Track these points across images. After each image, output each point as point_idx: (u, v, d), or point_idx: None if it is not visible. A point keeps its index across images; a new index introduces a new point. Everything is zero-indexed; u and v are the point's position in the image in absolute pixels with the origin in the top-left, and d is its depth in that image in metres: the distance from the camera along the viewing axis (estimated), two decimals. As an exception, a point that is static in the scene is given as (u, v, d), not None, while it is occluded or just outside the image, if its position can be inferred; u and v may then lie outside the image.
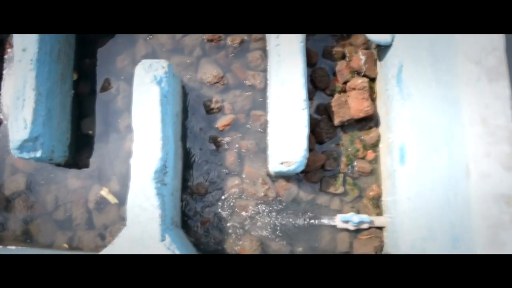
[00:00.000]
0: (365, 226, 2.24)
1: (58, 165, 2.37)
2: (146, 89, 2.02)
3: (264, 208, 2.30)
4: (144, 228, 1.95)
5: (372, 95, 2.35)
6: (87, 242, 2.31)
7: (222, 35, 2.42)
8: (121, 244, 1.94)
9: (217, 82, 2.37)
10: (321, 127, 2.31)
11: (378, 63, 2.38)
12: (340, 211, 2.31)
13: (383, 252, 2.27)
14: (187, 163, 2.35)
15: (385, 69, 2.28)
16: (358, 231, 2.28)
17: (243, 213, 2.30)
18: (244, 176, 2.33)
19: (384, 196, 2.30)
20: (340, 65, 2.37)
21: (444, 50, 1.73)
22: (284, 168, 2.04)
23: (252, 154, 2.34)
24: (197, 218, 2.31)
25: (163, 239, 1.95)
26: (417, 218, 1.95)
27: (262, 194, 2.29)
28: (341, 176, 2.30)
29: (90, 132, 2.40)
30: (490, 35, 1.61)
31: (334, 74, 2.40)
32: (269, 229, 2.29)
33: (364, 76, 2.36)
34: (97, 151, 2.39)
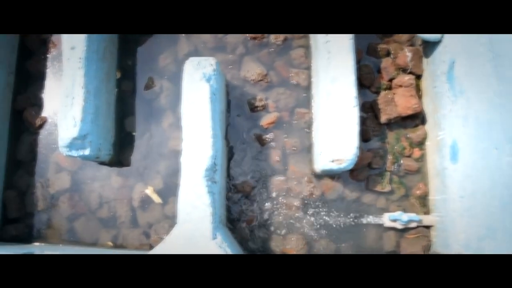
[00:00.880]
0: (413, 225, 2.21)
1: (102, 163, 2.38)
2: (196, 87, 2.01)
3: (309, 207, 2.28)
4: (195, 226, 1.93)
5: (418, 92, 2.32)
6: (131, 240, 2.31)
7: (265, 33, 2.41)
8: (172, 242, 1.93)
9: (261, 80, 2.36)
10: (367, 124, 2.29)
11: (424, 59, 2.35)
12: (386, 210, 2.28)
13: (431, 251, 2.23)
14: (232, 161, 2.34)
15: (433, 66, 2.24)
16: (404, 230, 2.25)
17: (289, 212, 2.28)
18: (289, 174, 2.31)
19: (432, 194, 2.26)
20: (385, 62, 2.34)
21: (507, 46, 1.69)
22: (335, 166, 2.01)
23: (296, 152, 2.32)
24: (243, 216, 2.29)
25: (214, 238, 1.93)
26: (472, 216, 1.91)
27: (308, 192, 2.27)
28: (387, 174, 2.27)
29: (133, 130, 2.40)
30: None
31: (379, 71, 2.37)
32: (314, 228, 2.27)
33: (410, 73, 2.33)
34: (140, 149, 2.38)
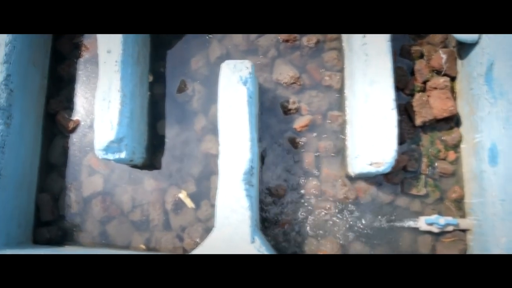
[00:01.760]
0: (449, 228, 2.18)
1: (134, 166, 2.39)
2: (233, 90, 2.01)
3: (343, 210, 2.27)
4: (234, 230, 1.93)
5: (452, 95, 2.30)
6: (164, 243, 2.31)
7: (298, 35, 2.40)
8: (211, 246, 1.93)
9: (293, 83, 2.35)
10: (402, 127, 2.27)
11: (459, 61, 2.33)
12: (420, 213, 2.26)
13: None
14: (265, 165, 2.33)
15: (469, 68, 2.22)
16: (440, 234, 2.22)
17: (323, 215, 2.27)
18: (322, 177, 2.30)
19: (468, 198, 2.24)
20: (419, 64, 2.33)
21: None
22: (373, 169, 2.00)
23: (330, 155, 2.31)
24: (276, 220, 2.28)
25: (253, 241, 1.93)
26: (515, 220, 1.89)
27: (342, 196, 2.26)
28: (423, 177, 2.25)
29: (166, 134, 2.41)
30: None
31: (412, 73, 2.35)
32: (349, 231, 2.25)
33: (444, 75, 2.31)
34: (173, 153, 2.39)
